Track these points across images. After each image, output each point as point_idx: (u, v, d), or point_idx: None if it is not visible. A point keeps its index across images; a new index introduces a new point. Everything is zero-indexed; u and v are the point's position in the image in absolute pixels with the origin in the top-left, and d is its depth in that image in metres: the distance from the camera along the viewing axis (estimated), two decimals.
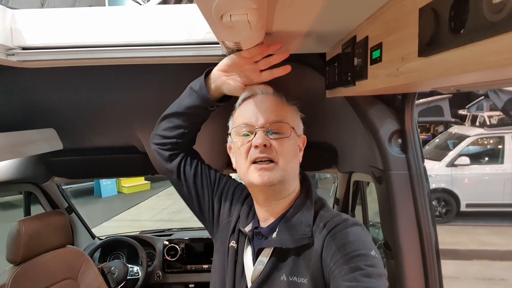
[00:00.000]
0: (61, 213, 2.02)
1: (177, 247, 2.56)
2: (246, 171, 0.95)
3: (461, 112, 13.15)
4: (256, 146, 0.91)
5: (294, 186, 1.01)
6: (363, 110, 1.24)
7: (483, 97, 11.78)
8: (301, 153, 1.04)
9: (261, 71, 1.05)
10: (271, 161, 0.91)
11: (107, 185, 10.52)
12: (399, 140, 1.23)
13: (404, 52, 0.59)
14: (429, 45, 0.49)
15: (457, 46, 0.43)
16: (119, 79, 1.46)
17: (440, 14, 0.45)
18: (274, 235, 0.95)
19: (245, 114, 0.97)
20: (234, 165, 1.04)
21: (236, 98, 1.07)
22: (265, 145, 0.90)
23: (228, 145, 1.09)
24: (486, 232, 6.49)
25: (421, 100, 10.38)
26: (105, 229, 7.17)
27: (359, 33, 0.85)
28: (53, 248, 1.95)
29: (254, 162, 0.92)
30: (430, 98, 11.13)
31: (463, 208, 7.06)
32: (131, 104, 1.62)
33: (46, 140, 1.73)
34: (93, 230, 2.84)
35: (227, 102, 1.13)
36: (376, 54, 0.72)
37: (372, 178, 1.37)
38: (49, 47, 1.06)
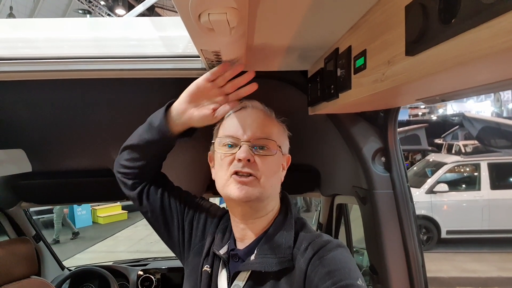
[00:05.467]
0: (27, 240, 1.87)
1: (153, 277, 2.41)
2: (225, 183, 0.90)
3: (437, 141, 13.56)
4: (239, 160, 0.87)
5: (273, 205, 0.96)
6: (346, 128, 1.22)
7: (458, 126, 12.21)
8: (284, 172, 1.00)
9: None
10: (252, 175, 0.87)
11: (81, 215, 10.08)
12: (383, 159, 1.21)
13: (390, 55, 0.57)
14: (416, 42, 0.47)
15: (448, 38, 0.41)
16: (93, 95, 1.39)
17: (429, 7, 0.43)
18: (252, 257, 0.90)
19: (232, 126, 0.93)
20: (213, 176, 0.99)
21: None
22: (248, 160, 0.86)
23: (210, 153, 1.03)
24: (467, 259, 6.50)
25: (398, 129, 10.65)
26: (78, 261, 6.79)
27: (341, 45, 0.84)
28: (16, 279, 1.79)
29: (235, 174, 0.88)
30: (407, 128, 11.46)
31: (443, 235, 7.09)
32: (106, 123, 1.55)
33: (13, 162, 1.63)
34: (65, 263, 2.66)
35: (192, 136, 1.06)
36: (360, 62, 0.70)
37: (356, 198, 1.33)
38: (15, 58, 1.00)
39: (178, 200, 1.10)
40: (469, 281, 5.71)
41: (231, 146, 0.90)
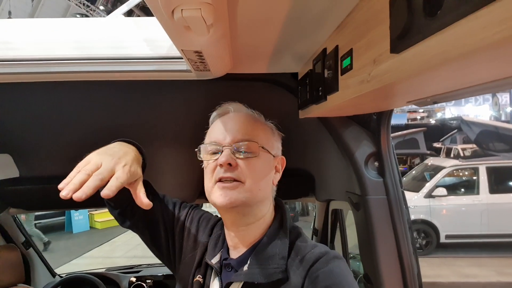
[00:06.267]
0: (13, 247, 1.83)
1: (144, 285, 2.36)
2: (210, 191, 0.87)
3: (436, 145, 13.53)
4: (221, 165, 0.84)
5: (264, 211, 0.92)
6: (337, 132, 1.18)
7: (456, 130, 12.20)
8: (278, 175, 0.96)
9: None
10: (236, 181, 0.84)
11: (78, 220, 10.01)
12: (376, 163, 1.17)
13: (376, 53, 0.53)
14: (401, 38, 0.43)
15: (434, 32, 0.37)
16: (81, 98, 1.36)
17: (413, 0, 0.40)
18: (245, 268, 0.86)
19: (214, 132, 0.91)
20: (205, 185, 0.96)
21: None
22: (230, 164, 0.83)
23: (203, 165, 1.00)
24: (466, 264, 6.44)
25: (397, 133, 10.67)
26: (74, 267, 6.73)
27: (329, 44, 0.81)
28: (2, 287, 1.74)
29: (219, 181, 0.85)
30: (405, 131, 11.44)
31: (442, 239, 7.03)
32: (95, 126, 1.51)
33: None
34: (62, 268, 2.61)
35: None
36: (346, 62, 0.66)
37: (350, 204, 1.29)
38: None
39: (166, 212, 1.06)
40: (468, 286, 5.65)
41: (214, 152, 0.88)
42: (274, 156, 0.93)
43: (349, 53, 0.65)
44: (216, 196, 0.84)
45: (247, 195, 0.84)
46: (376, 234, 1.15)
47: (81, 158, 1.70)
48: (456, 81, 0.48)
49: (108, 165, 0.82)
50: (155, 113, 1.45)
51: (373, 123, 1.15)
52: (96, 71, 1.01)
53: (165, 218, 1.05)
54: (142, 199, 0.86)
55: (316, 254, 0.83)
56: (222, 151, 0.85)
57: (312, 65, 0.92)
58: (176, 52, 0.99)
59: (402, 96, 0.66)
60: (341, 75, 0.70)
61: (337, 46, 0.73)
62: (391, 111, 1.08)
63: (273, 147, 0.94)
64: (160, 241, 1.05)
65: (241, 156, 0.85)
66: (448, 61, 0.37)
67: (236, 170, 0.84)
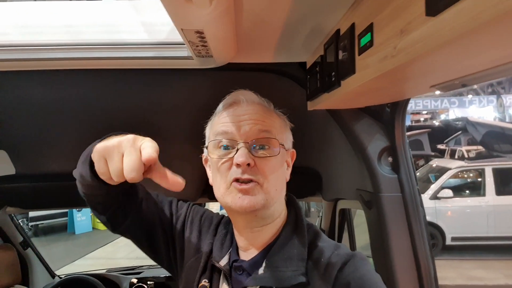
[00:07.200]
0: (9, 247, 1.77)
1: (145, 286, 2.29)
2: (224, 192, 0.78)
3: (440, 146, 13.41)
4: (238, 165, 0.75)
5: (279, 211, 0.85)
6: (348, 125, 1.11)
7: (460, 132, 12.10)
8: (289, 170, 0.88)
9: None
10: (255, 181, 0.76)
11: (81, 220, 9.98)
12: (390, 158, 1.10)
13: (404, 22, 0.46)
14: None
15: None
16: (78, 89, 1.28)
17: None
18: (261, 271, 0.78)
19: (226, 125, 0.80)
20: (210, 181, 0.87)
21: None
22: (248, 164, 0.75)
23: (204, 156, 0.91)
24: (472, 266, 6.35)
25: None
26: (76, 268, 6.69)
27: (343, 25, 0.74)
28: None
29: (234, 181, 0.77)
30: (409, 133, 11.37)
31: (448, 241, 6.94)
32: (95, 121, 1.44)
33: None
34: (64, 269, 2.55)
35: None
36: (365, 40, 0.59)
37: (361, 203, 1.22)
38: None
39: (162, 212, 0.97)
40: None
41: (227, 148, 0.79)
42: (286, 150, 0.86)
43: (369, 29, 0.58)
44: (234, 199, 0.76)
45: (266, 197, 0.77)
46: (390, 233, 1.08)
47: (79, 154, 1.65)
48: (502, 49, 0.41)
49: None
50: (155, 106, 1.38)
51: (387, 115, 1.08)
52: (90, 58, 0.94)
53: (163, 219, 0.96)
54: (174, 178, 0.65)
55: (342, 256, 0.76)
56: (238, 148, 0.77)
57: (323, 50, 0.85)
58: (176, 37, 0.93)
59: (428, 77, 0.59)
60: (359, 55, 0.63)
61: (353, 24, 0.66)
62: (406, 102, 1.01)
63: (287, 140, 0.87)
64: (159, 245, 0.96)
65: (260, 155, 0.78)
66: (503, 17, 0.30)
67: (255, 171, 0.76)
